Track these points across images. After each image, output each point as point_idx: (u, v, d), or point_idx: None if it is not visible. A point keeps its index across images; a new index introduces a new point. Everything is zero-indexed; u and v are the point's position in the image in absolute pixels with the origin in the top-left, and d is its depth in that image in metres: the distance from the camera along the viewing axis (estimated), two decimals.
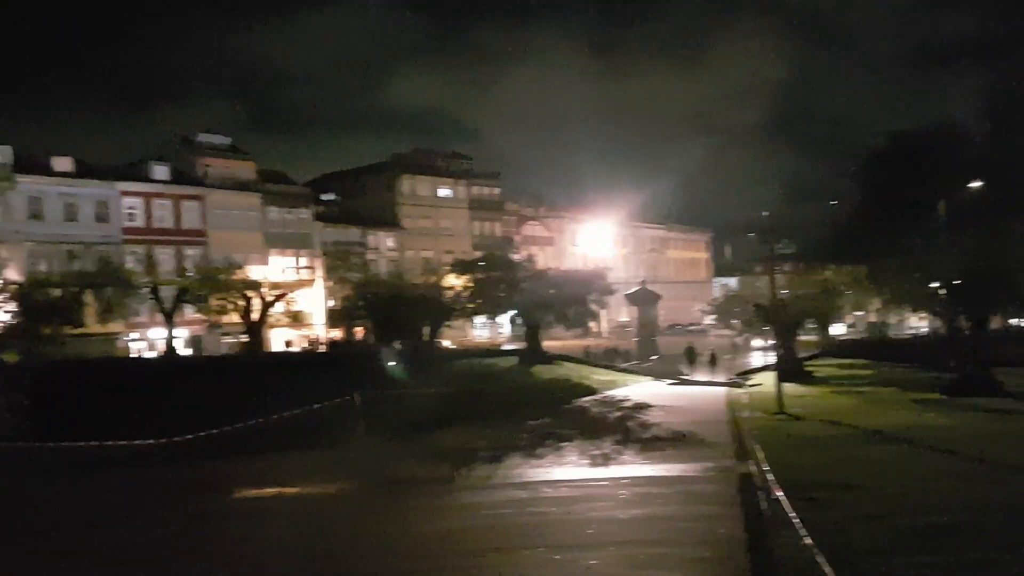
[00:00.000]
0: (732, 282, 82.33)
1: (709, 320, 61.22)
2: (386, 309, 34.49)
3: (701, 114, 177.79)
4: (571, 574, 8.80)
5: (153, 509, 13.73)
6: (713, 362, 35.85)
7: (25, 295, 25.17)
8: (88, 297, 28.65)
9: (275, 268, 52.10)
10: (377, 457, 18.13)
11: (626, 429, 20.83)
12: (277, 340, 49.90)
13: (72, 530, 12.18)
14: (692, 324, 70.06)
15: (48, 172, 47.97)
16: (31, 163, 47.69)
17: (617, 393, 28.76)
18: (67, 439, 19.05)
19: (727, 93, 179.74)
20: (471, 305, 38.14)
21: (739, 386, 31.37)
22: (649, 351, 44.24)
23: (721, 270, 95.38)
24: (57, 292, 26.59)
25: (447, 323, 38.53)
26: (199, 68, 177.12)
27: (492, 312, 41.82)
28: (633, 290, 50.29)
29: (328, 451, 18.51)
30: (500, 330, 58.56)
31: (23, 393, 22.39)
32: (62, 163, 49.08)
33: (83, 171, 49.66)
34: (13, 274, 39.28)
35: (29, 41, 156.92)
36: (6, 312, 24.14)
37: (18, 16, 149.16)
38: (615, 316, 67.70)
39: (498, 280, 38.08)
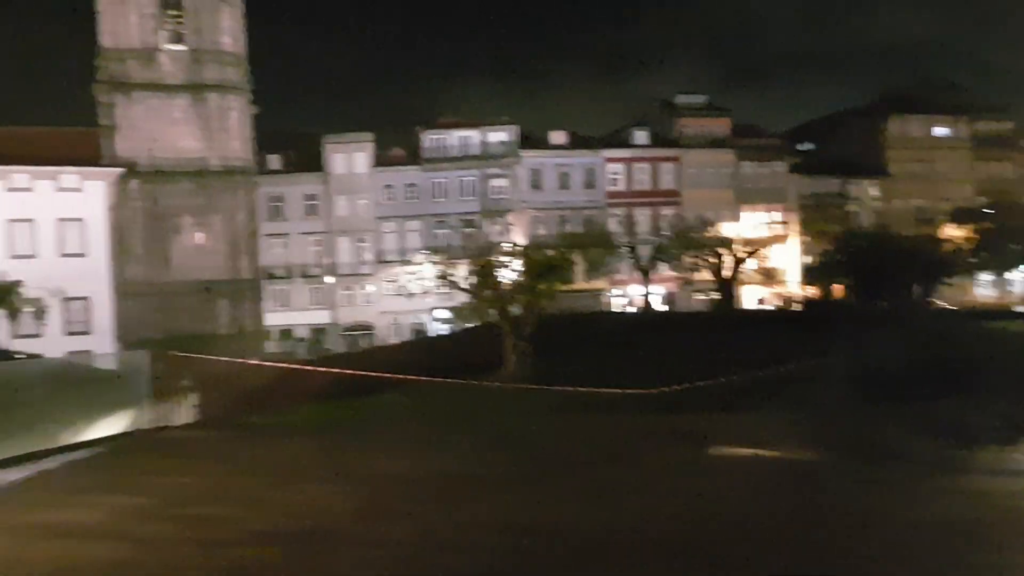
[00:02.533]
0: None
1: None
2: (869, 264, 31.44)
3: None
4: None
5: (633, 455, 14.33)
6: None
7: (527, 255, 28.64)
8: (577, 256, 31.57)
9: (746, 224, 51.35)
10: (858, 425, 16.48)
11: None
12: (749, 297, 49.26)
13: (585, 467, 13.19)
14: None
15: (546, 146, 53.97)
16: (532, 139, 54.19)
17: None
18: (559, 384, 21.15)
19: None
20: (974, 260, 32.82)
21: None
22: None
23: None
24: (551, 252, 29.72)
25: (944, 280, 33.74)
26: (675, 32, 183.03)
27: (1001, 267, 35.51)
28: None
29: (803, 414, 17.41)
30: (1009, 288, 49.59)
31: (527, 341, 25.63)
32: (557, 137, 54.81)
33: (575, 143, 54.85)
34: (519, 237, 45.22)
35: (531, 32, 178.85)
36: (513, 270, 27.73)
37: (524, 11, 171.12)
38: None
39: (1011, 229, 32.06)
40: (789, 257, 52.29)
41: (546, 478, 12.14)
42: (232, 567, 7.49)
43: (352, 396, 21.79)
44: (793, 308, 44.58)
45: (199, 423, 19.36)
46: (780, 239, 51.93)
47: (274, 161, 53.17)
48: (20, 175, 39.84)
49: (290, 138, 54.57)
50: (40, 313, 31.94)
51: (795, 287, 50.99)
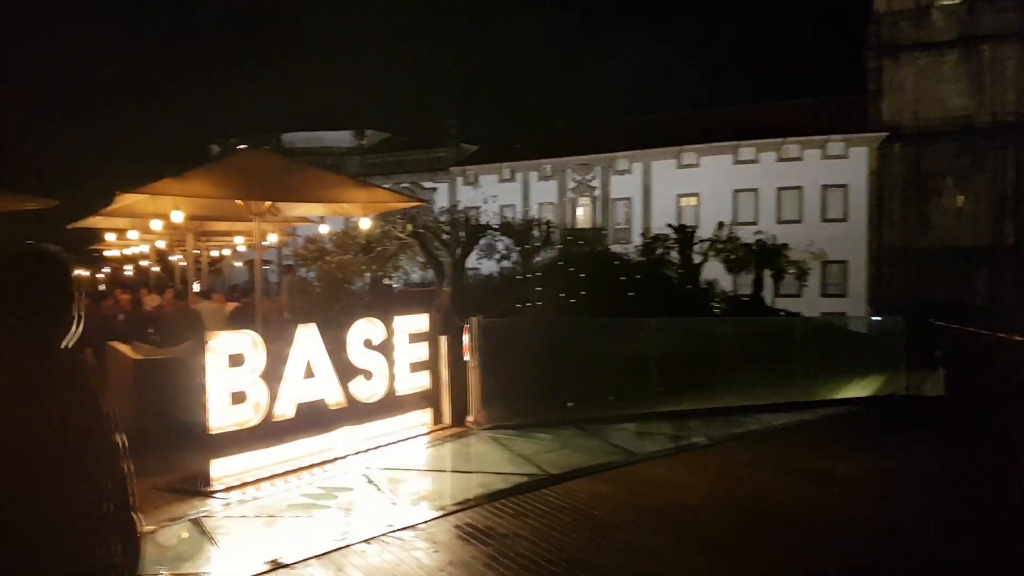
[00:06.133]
0: None
1: None
2: None
3: None
4: None
5: None
6: None
7: None
8: None
9: None
10: None
11: None
12: None
13: None
14: None
15: None
16: None
17: None
18: None
19: None
20: None
21: None
22: None
23: None
24: None
25: None
26: None
27: None
28: None
29: None
30: None
31: None
32: None
33: None
34: None
35: None
36: None
37: None
38: None
39: None
40: None
41: None
42: (1007, 554, 6.74)
43: None
44: None
45: (947, 397, 18.14)
46: None
47: None
48: (791, 145, 43.54)
49: None
50: (801, 275, 34.42)
51: None
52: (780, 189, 43.69)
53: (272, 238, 17.84)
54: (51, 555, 2.20)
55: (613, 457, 9.76)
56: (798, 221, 42.22)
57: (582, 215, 50.32)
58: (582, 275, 22.35)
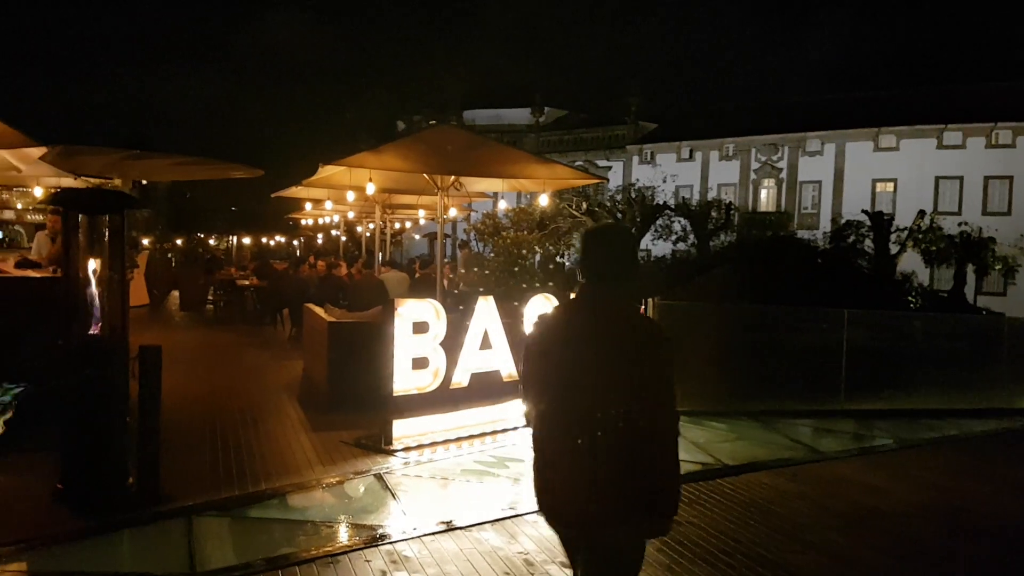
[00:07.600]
0: None
1: None
2: None
3: None
4: None
5: None
6: None
7: None
8: None
9: None
10: None
11: None
12: None
13: None
14: None
15: None
16: None
17: None
18: None
19: None
20: None
21: None
22: None
23: None
24: None
25: None
26: None
27: None
28: None
29: None
30: None
31: None
32: None
33: None
34: None
35: None
36: None
37: None
38: None
39: None
40: None
41: None
42: None
43: None
44: None
45: None
46: None
47: None
48: (1003, 131, 39.50)
49: None
50: (1009, 271, 31.25)
51: None
52: (988, 178, 39.72)
53: (452, 212, 18.34)
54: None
55: (794, 453, 9.26)
56: (1007, 213, 38.24)
57: (765, 198, 48.15)
58: (764, 260, 21.37)
